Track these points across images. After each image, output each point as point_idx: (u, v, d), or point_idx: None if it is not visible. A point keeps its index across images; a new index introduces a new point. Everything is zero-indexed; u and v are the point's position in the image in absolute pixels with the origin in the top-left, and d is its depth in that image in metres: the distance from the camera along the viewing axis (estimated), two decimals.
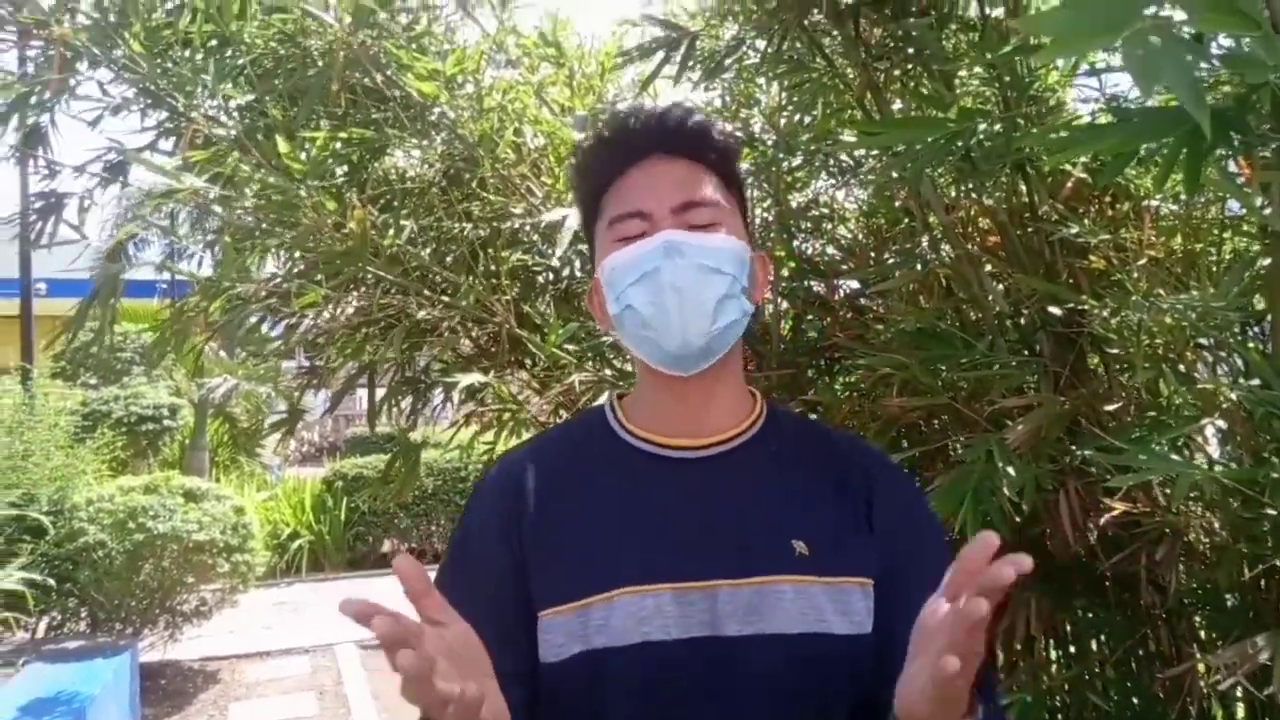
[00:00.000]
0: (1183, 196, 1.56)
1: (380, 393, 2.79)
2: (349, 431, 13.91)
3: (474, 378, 1.71)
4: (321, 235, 1.57)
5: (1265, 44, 0.75)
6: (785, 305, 2.64)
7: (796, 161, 2.38)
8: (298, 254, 1.81)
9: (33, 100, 2.51)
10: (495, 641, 0.89)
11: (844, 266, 2.49)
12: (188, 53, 2.05)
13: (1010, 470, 1.46)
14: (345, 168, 2.50)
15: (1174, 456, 1.38)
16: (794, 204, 2.52)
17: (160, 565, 4.94)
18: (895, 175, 1.61)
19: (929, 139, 1.12)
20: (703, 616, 0.88)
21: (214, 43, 2.37)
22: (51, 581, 4.56)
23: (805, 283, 2.52)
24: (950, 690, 0.70)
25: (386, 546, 8.91)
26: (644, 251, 0.93)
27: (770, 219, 2.45)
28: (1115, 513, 1.52)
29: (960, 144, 1.10)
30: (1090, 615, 1.79)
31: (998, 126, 1.22)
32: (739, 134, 2.56)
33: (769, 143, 2.43)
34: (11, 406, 5.18)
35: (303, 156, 1.64)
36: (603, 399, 1.09)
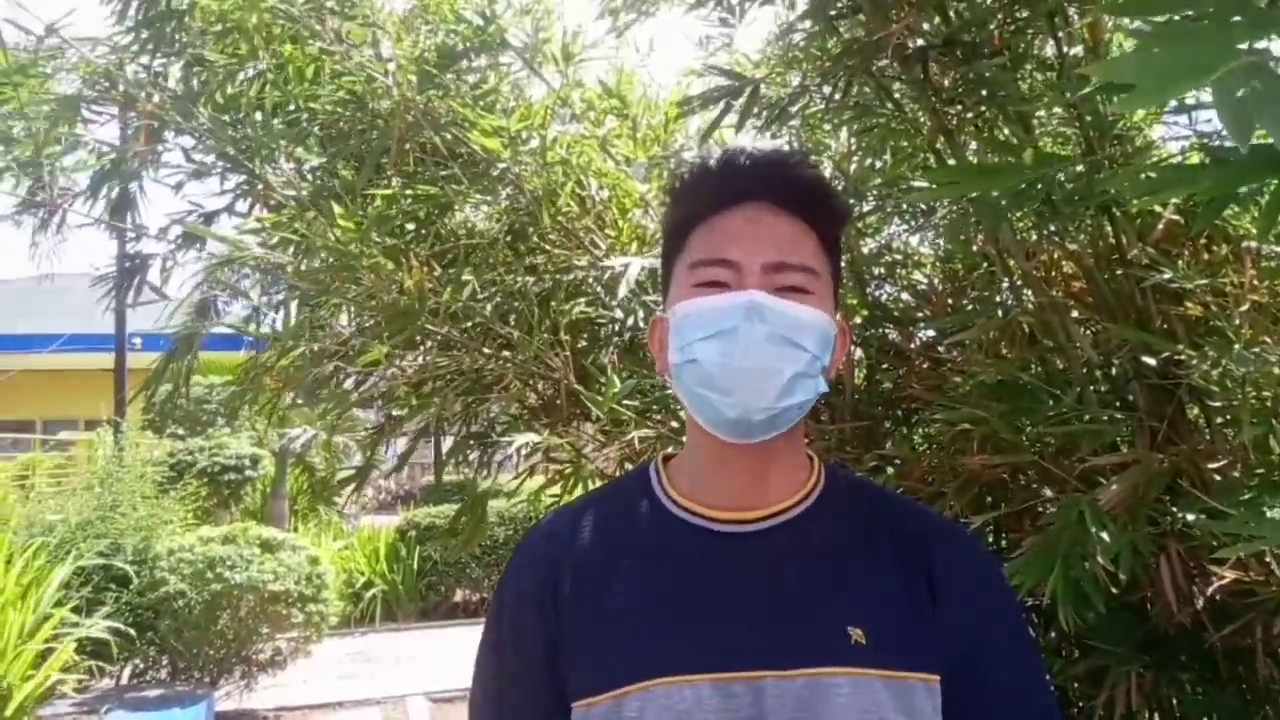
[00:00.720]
0: None
1: (448, 443, 2.80)
2: (424, 480, 14.12)
3: (530, 437, 1.68)
4: (380, 294, 1.57)
5: None
6: (860, 354, 2.57)
7: (868, 207, 2.33)
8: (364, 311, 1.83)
9: (123, 168, 2.63)
10: None
11: (920, 314, 2.41)
12: (260, 116, 2.10)
13: (1104, 535, 1.35)
14: (413, 224, 2.55)
15: None
16: (866, 250, 2.46)
17: (237, 615, 5.02)
18: (972, 224, 1.54)
19: (1005, 187, 1.06)
20: (747, 711, 0.80)
21: (291, 107, 2.45)
22: (132, 632, 4.67)
23: (880, 330, 2.45)
24: None
25: (459, 596, 8.94)
26: (724, 306, 0.86)
27: (843, 264, 2.39)
28: (1225, 581, 1.39)
29: (1040, 189, 1.03)
30: (1199, 691, 1.63)
31: (1079, 168, 1.15)
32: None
33: (839, 188, 2.38)
34: (102, 459, 5.37)
35: (362, 215, 1.65)
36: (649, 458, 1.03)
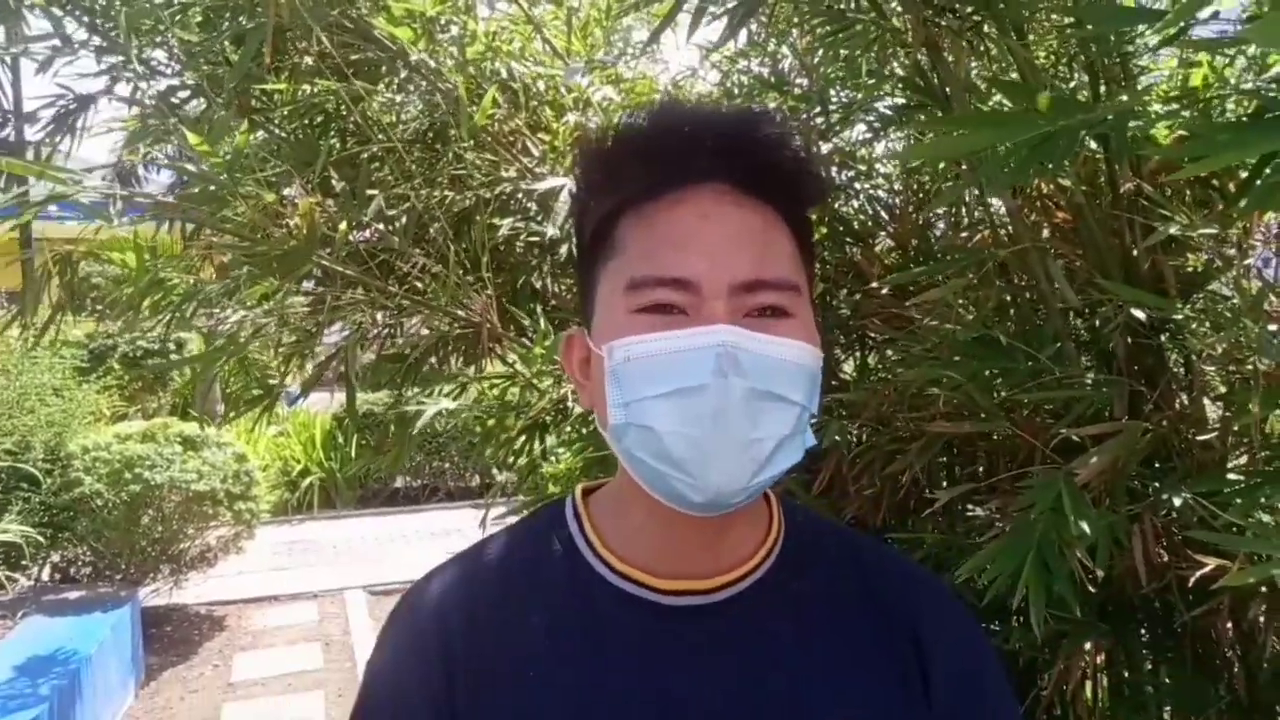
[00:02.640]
0: None
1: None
2: (364, 358, 13.82)
3: (444, 404, 1.47)
4: (260, 231, 1.31)
5: None
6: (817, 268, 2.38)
7: (833, 112, 2.08)
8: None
9: None
10: None
11: (883, 230, 2.22)
12: None
13: (1084, 524, 1.20)
14: (320, 117, 2.24)
15: None
16: (826, 151, 2.22)
17: (161, 514, 4.83)
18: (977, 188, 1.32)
19: (1018, 140, 0.84)
20: None
21: None
22: (42, 539, 4.45)
23: (841, 246, 2.25)
24: None
25: (399, 483, 8.84)
26: (685, 352, 0.64)
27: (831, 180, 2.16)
28: (1208, 568, 1.27)
29: (1062, 147, 0.82)
30: (1160, 672, 1.56)
31: (1109, 117, 0.93)
32: (769, 77, 2.27)
33: (801, 86, 2.13)
34: (4, 350, 5.00)
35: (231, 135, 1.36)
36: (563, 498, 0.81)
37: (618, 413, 0.67)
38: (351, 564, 6.35)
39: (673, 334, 0.64)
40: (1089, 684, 1.70)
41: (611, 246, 0.69)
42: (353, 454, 8.26)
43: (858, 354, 2.25)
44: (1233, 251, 1.44)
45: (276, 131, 2.23)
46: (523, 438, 2.12)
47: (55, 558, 5.04)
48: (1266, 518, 1.22)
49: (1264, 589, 1.31)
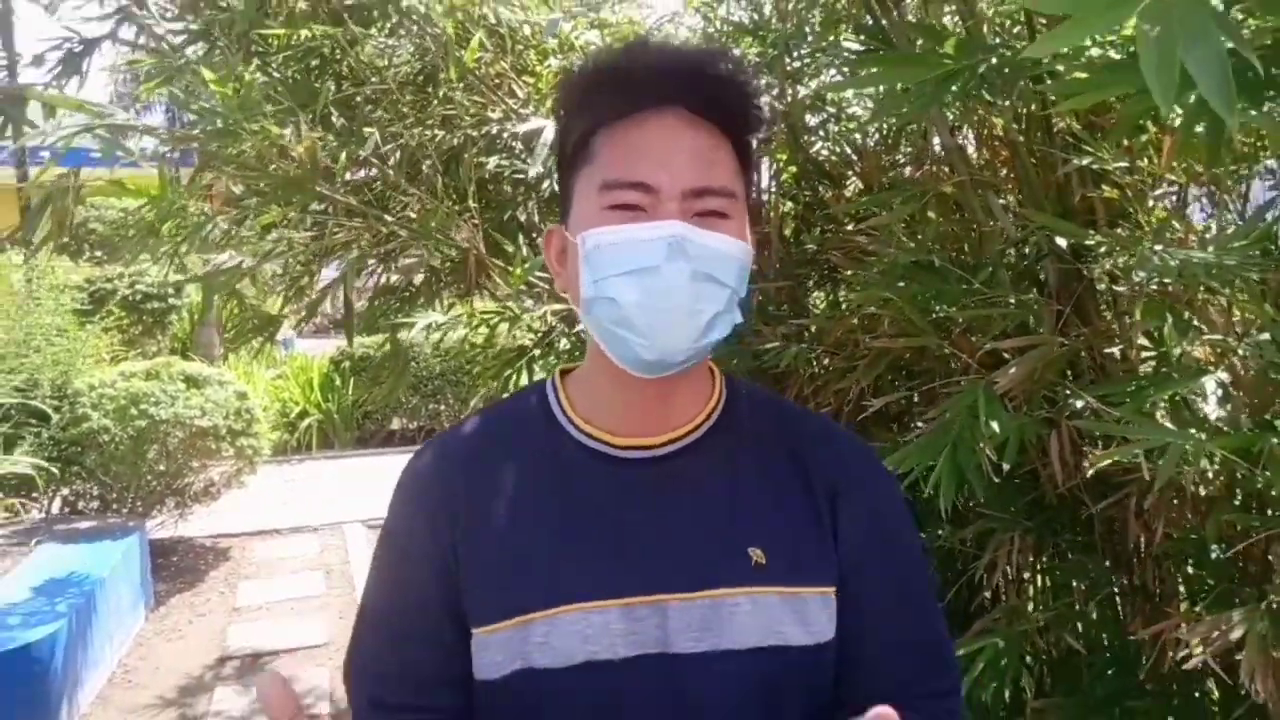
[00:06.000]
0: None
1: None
2: (359, 305, 13.92)
3: (434, 317, 1.62)
4: (267, 163, 1.45)
5: None
6: (790, 207, 2.51)
7: (805, 53, 2.20)
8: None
9: None
10: (430, 655, 0.86)
11: (851, 170, 2.36)
12: None
13: (995, 424, 1.38)
14: (317, 60, 2.35)
15: (1168, 423, 1.30)
16: (801, 96, 2.34)
17: (166, 449, 5.01)
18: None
19: (927, 77, 0.99)
20: (653, 634, 0.82)
21: None
22: (55, 470, 4.64)
23: (811, 185, 2.39)
24: None
25: (395, 424, 9.05)
26: (644, 241, 0.80)
27: (775, 111, 2.29)
28: (1104, 464, 1.45)
29: (960, 84, 0.97)
30: (1073, 556, 1.75)
31: (1007, 53, 1.08)
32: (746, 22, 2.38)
33: (777, 30, 2.24)
34: (7, 291, 5.14)
35: (240, 79, 1.49)
36: (544, 376, 0.98)
37: (589, 288, 0.83)
38: (350, 500, 6.56)
39: (635, 226, 0.81)
40: (1026, 574, 1.90)
41: (588, 156, 0.85)
42: (349, 395, 8.44)
43: (828, 290, 2.41)
44: (1150, 184, 1.59)
45: (275, 75, 2.35)
46: (509, 371, 2.28)
47: (65, 491, 5.23)
48: (1160, 416, 1.40)
49: (1158, 486, 1.49)
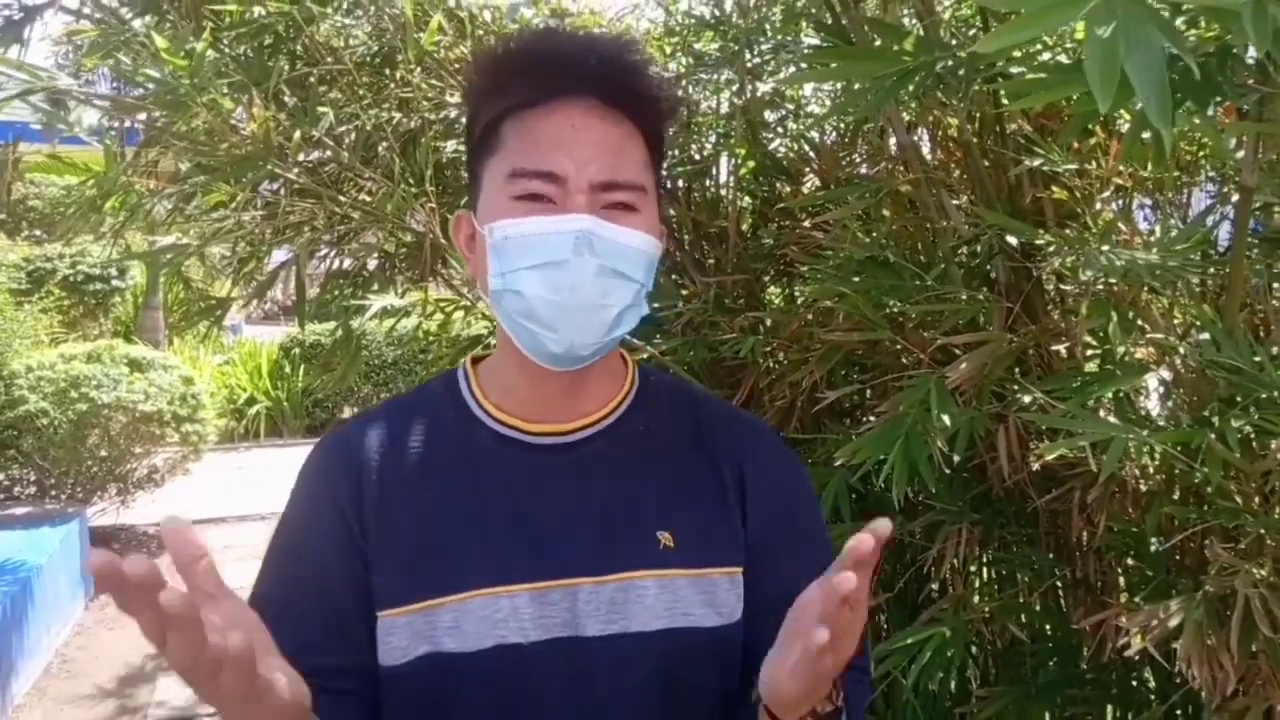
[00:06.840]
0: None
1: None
2: (311, 292, 13.68)
3: (389, 300, 1.60)
4: (219, 138, 1.41)
5: None
6: (748, 202, 2.52)
7: (765, 49, 2.21)
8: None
9: None
10: (326, 633, 0.84)
11: (808, 168, 2.37)
12: None
13: (945, 418, 1.40)
14: (270, 38, 2.30)
15: (1111, 418, 1.33)
16: (760, 94, 2.35)
17: (108, 434, 4.88)
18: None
19: (883, 73, 1.00)
20: (563, 617, 0.83)
21: None
22: None
23: (770, 181, 2.40)
24: (820, 667, 0.66)
25: (346, 413, 8.92)
26: (551, 234, 0.79)
27: (735, 107, 2.29)
28: (1050, 459, 1.48)
29: (918, 81, 0.98)
30: (1018, 549, 1.79)
31: (963, 54, 1.10)
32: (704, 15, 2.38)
33: (738, 26, 2.25)
34: None
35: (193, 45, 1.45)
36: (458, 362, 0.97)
37: (496, 280, 0.82)
38: None
39: (542, 219, 0.80)
40: (972, 566, 1.94)
41: (496, 144, 0.84)
42: (299, 382, 8.30)
43: (784, 284, 2.43)
44: (1097, 187, 1.63)
45: (226, 52, 2.29)
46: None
47: (0, 476, 5.08)
48: (1104, 412, 1.44)
49: (1101, 479, 1.53)
